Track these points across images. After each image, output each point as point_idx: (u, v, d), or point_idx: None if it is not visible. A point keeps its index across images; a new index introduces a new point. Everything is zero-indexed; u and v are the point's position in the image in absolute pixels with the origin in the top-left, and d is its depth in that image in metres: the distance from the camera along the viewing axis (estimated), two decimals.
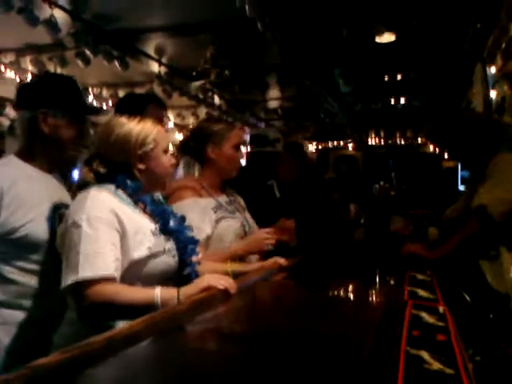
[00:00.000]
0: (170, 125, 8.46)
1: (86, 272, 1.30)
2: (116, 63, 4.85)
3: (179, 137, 9.33)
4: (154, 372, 0.90)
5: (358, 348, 1.01)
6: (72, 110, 1.66)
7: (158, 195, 2.10)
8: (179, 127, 9.03)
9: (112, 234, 1.37)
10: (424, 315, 1.21)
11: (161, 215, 1.55)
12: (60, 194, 1.69)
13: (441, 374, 0.84)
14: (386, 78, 6.27)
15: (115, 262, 1.35)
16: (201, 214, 1.94)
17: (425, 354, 0.92)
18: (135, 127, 1.50)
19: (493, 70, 3.99)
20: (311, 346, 1.05)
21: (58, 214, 1.60)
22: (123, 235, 1.39)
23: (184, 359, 0.99)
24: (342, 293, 1.82)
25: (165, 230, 1.53)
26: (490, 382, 0.99)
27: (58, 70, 5.10)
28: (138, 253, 1.40)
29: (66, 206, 1.62)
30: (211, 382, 0.85)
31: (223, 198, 2.12)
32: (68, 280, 1.31)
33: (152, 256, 1.43)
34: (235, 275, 1.73)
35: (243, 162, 2.12)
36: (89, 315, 1.32)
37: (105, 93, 6.67)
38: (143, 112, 1.86)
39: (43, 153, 1.65)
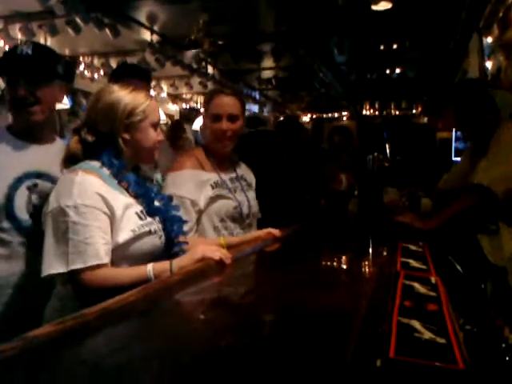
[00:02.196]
0: (163, 95, 8.37)
1: (76, 263, 1.29)
2: (107, 31, 4.75)
3: (172, 107, 9.25)
4: (147, 342, 0.91)
5: (351, 318, 1.03)
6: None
7: (158, 177, 2.08)
8: (172, 97, 8.93)
9: (101, 218, 1.35)
10: (416, 285, 1.22)
11: (145, 195, 1.52)
12: (39, 163, 1.67)
13: (432, 343, 0.85)
14: (382, 48, 6.20)
15: (106, 246, 1.34)
16: (197, 186, 1.90)
17: (416, 324, 0.93)
18: (125, 96, 1.47)
19: (489, 40, 3.95)
20: (304, 316, 1.06)
21: (28, 184, 1.62)
22: (112, 219, 1.37)
23: (177, 329, 0.99)
24: (335, 263, 1.84)
25: (150, 211, 1.51)
26: (479, 351, 1.01)
27: (48, 39, 5.00)
28: (123, 236, 1.39)
29: (43, 176, 1.64)
30: (205, 353, 0.85)
31: (228, 175, 2.05)
32: (57, 268, 1.30)
33: (137, 238, 1.41)
34: (229, 246, 1.73)
35: (227, 133, 1.97)
36: (86, 299, 1.31)
37: (96, 62, 6.56)
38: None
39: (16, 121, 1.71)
